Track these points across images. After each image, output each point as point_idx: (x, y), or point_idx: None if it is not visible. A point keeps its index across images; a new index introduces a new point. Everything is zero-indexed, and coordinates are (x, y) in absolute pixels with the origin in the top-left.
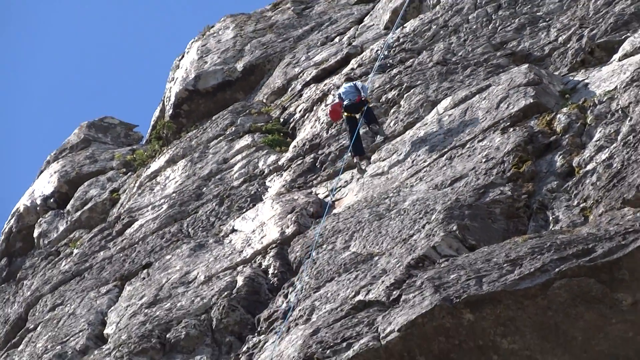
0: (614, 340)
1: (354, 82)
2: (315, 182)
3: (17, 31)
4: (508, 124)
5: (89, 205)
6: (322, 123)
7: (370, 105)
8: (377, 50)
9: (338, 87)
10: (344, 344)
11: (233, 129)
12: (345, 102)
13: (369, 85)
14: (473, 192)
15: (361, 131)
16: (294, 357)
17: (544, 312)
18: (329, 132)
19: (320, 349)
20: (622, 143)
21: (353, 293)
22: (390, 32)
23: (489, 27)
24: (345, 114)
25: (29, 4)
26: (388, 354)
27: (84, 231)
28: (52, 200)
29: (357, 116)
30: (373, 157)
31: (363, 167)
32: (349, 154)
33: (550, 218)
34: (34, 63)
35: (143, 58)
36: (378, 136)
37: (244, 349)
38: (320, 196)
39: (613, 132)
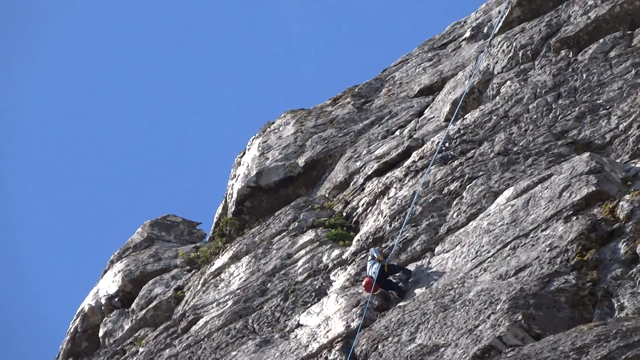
0: None
1: (370, 254)
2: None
3: (84, 138)
4: (571, 212)
5: (154, 303)
6: (385, 216)
7: (390, 262)
8: (438, 142)
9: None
10: None
11: (296, 224)
12: (375, 278)
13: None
14: (537, 281)
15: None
16: None
17: None
18: (392, 225)
19: None
20: None
21: None
22: (449, 124)
23: (550, 117)
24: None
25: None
26: None
27: (149, 329)
28: (116, 299)
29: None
30: (437, 249)
31: (394, 296)
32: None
33: (616, 305)
34: (95, 163)
35: (204, 156)
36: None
37: None
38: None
39: None
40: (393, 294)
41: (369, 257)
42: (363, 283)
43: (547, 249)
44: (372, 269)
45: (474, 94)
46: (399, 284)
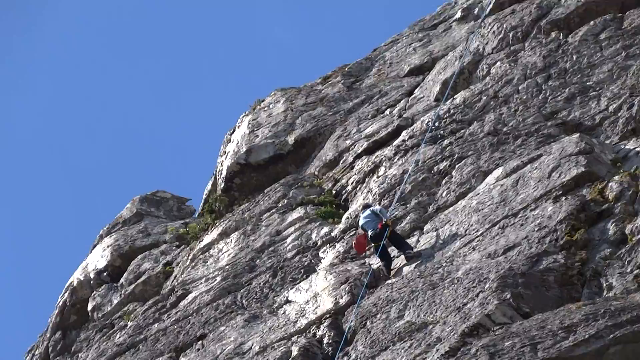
0: None
1: (372, 209)
2: (368, 252)
3: (68, 107)
4: (560, 192)
5: (143, 278)
6: (375, 195)
7: (392, 228)
8: (428, 121)
9: (357, 217)
10: None
11: (285, 201)
12: (369, 234)
13: (390, 208)
14: (526, 260)
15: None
16: None
17: None
18: (382, 203)
19: None
20: None
21: None
22: (440, 104)
23: (539, 97)
24: (374, 244)
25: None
26: None
27: (138, 304)
28: (105, 273)
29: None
30: (426, 228)
31: (383, 273)
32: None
33: (604, 285)
34: (86, 138)
35: (194, 132)
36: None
37: None
38: (374, 266)
39: None
40: (383, 271)
41: (367, 211)
42: (354, 240)
43: (536, 229)
44: (371, 225)
45: (464, 74)
46: (392, 257)
